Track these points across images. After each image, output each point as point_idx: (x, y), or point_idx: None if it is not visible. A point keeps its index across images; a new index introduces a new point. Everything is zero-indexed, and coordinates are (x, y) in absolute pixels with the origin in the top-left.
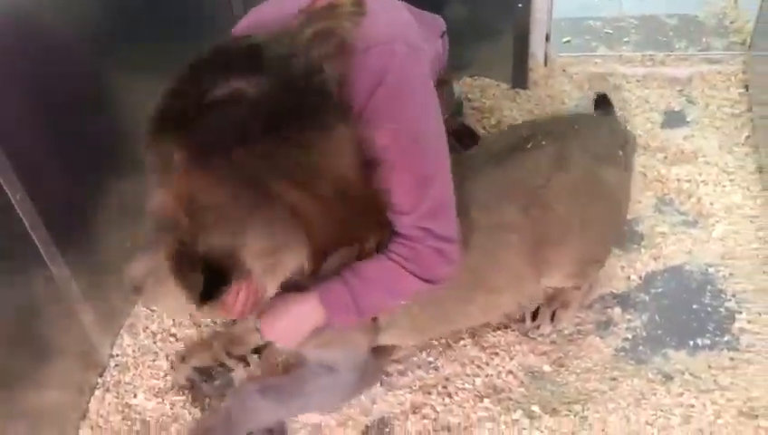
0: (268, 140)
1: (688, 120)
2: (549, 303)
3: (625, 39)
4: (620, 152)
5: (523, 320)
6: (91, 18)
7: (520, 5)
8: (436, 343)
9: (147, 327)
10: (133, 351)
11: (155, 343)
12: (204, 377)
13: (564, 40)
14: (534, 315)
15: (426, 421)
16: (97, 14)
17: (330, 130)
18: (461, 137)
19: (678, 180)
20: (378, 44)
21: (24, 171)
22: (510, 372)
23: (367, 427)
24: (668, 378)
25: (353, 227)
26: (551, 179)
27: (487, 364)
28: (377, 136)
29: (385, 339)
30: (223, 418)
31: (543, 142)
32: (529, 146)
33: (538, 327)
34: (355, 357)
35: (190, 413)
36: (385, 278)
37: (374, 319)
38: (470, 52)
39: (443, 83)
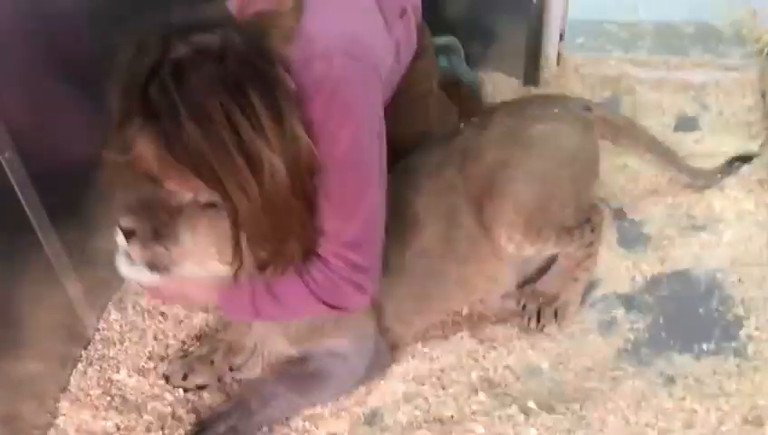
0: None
1: (701, 125)
2: (550, 302)
3: (639, 44)
4: (555, 109)
5: (529, 321)
6: None
7: (534, 1)
8: (432, 334)
9: (136, 303)
10: (120, 326)
11: (143, 320)
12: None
13: (578, 41)
14: (538, 318)
15: (417, 412)
16: None
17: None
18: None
19: (689, 184)
20: (314, 58)
21: (14, 129)
22: (507, 366)
23: (358, 417)
24: (671, 381)
25: (279, 226)
26: (477, 137)
27: (484, 358)
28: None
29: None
30: (237, 404)
31: (473, 119)
32: (462, 125)
33: (542, 329)
34: (364, 341)
35: (171, 393)
36: (293, 300)
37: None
38: (483, 47)
39: (422, 53)
